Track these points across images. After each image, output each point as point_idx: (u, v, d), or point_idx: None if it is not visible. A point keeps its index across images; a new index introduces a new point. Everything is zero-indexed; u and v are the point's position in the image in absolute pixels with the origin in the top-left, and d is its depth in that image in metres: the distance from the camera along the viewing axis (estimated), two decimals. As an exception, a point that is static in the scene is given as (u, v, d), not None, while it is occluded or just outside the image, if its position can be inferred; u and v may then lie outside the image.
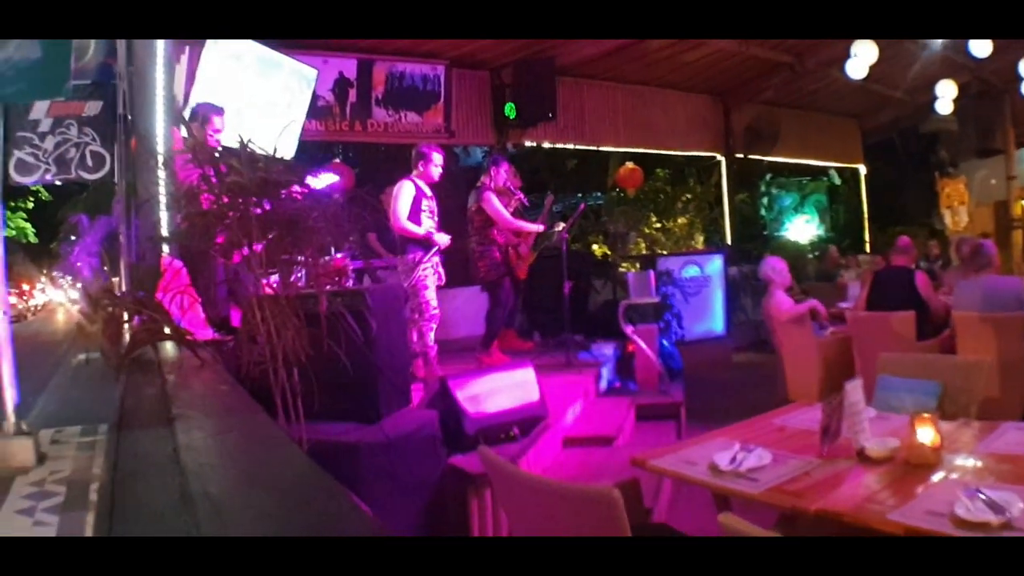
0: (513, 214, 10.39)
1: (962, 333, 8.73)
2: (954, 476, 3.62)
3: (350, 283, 8.71)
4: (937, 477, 3.61)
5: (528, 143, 13.76)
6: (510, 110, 12.74)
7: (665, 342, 11.25)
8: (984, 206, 20.99)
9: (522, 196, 10.74)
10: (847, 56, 13.51)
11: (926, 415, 3.86)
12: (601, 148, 15.83)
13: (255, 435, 3.12)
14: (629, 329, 10.40)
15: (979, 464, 3.81)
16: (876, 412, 4.46)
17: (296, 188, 5.39)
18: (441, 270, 9.11)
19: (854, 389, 4.12)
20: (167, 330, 5.05)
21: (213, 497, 2.02)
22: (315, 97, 10.80)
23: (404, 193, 8.86)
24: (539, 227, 10.69)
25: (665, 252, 16.35)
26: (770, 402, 5.69)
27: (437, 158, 9.13)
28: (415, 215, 8.84)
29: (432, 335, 8.87)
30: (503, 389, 7.26)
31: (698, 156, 17.81)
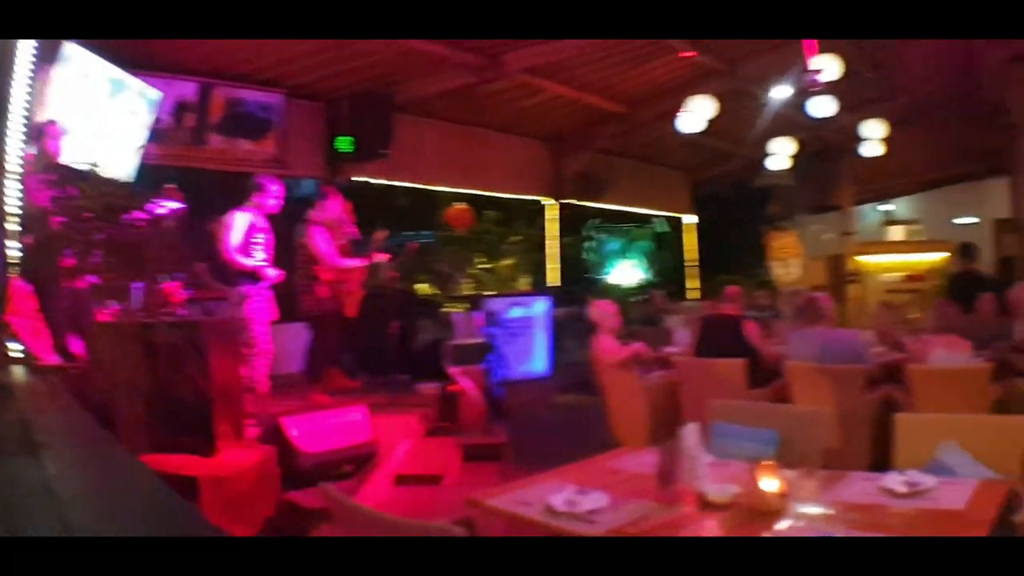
0: (344, 249, 10.32)
1: (797, 383, 8.96)
2: (801, 523, 3.71)
3: (184, 312, 8.62)
4: (783, 524, 3.69)
5: (361, 178, 13.66)
6: (343, 143, 12.61)
7: (490, 383, 11.32)
8: (817, 260, 21.73)
9: (354, 230, 10.68)
10: (680, 110, 13.67)
11: (769, 462, 3.93)
12: (432, 187, 15.84)
13: (119, 464, 3.10)
14: (454, 369, 10.45)
15: (828, 512, 3.91)
16: (713, 458, 4.47)
17: (137, 214, 5.35)
18: (273, 304, 9.07)
19: (691, 434, 4.14)
20: (18, 354, 4.95)
21: (93, 528, 2.03)
22: (155, 120, 10.52)
23: (237, 224, 8.80)
24: (358, 263, 10.66)
25: (491, 293, 16.42)
26: (596, 444, 5.84)
27: (274, 190, 9.07)
28: (246, 247, 8.77)
29: (264, 370, 8.77)
30: (335, 427, 7.32)
31: (528, 199, 17.90)
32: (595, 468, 4.76)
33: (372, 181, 13.95)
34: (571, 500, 3.88)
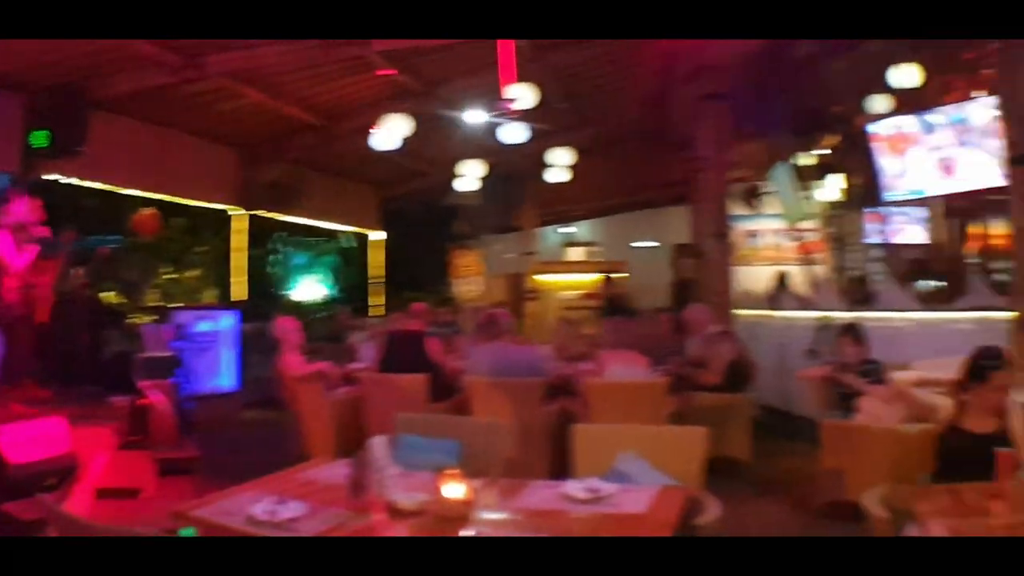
0: (31, 251, 9.81)
1: (476, 397, 9.16)
2: (486, 529, 3.86)
3: None
4: (469, 531, 3.83)
5: (54, 176, 12.94)
6: (38, 138, 11.92)
7: (179, 397, 11.04)
8: (499, 278, 22.28)
9: (44, 231, 10.17)
10: (376, 126, 13.62)
11: (452, 471, 4.06)
12: (123, 190, 15.21)
13: None
14: (144, 383, 10.15)
15: (514, 518, 4.07)
16: (400, 469, 4.56)
17: None
18: None
19: (378, 445, 4.30)
20: None
21: None
22: None
23: None
24: (49, 266, 10.21)
25: (179, 305, 15.99)
26: (286, 457, 5.93)
27: None
28: None
29: None
30: (39, 439, 7.06)
31: (218, 208, 17.47)
32: (291, 479, 4.85)
33: (60, 180, 13.25)
34: (271, 510, 3.98)
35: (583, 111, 17.30)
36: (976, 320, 10.47)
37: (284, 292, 20.46)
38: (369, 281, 22.12)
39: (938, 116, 13.56)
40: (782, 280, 16.78)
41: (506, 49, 11.37)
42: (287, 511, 3.96)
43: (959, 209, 16.74)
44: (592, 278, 22.82)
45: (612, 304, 19.61)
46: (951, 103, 13.48)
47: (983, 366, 5.39)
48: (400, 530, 3.89)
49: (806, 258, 18.58)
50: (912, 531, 4.16)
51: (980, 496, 4.30)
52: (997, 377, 5.32)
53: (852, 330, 8.96)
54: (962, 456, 5.12)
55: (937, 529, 3.84)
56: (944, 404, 5.68)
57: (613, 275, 22.01)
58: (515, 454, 7.03)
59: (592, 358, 10.49)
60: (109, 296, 15.13)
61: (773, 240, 21.44)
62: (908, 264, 17.56)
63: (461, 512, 3.98)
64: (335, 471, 4.76)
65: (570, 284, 22.91)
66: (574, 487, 4.45)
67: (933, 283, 15.42)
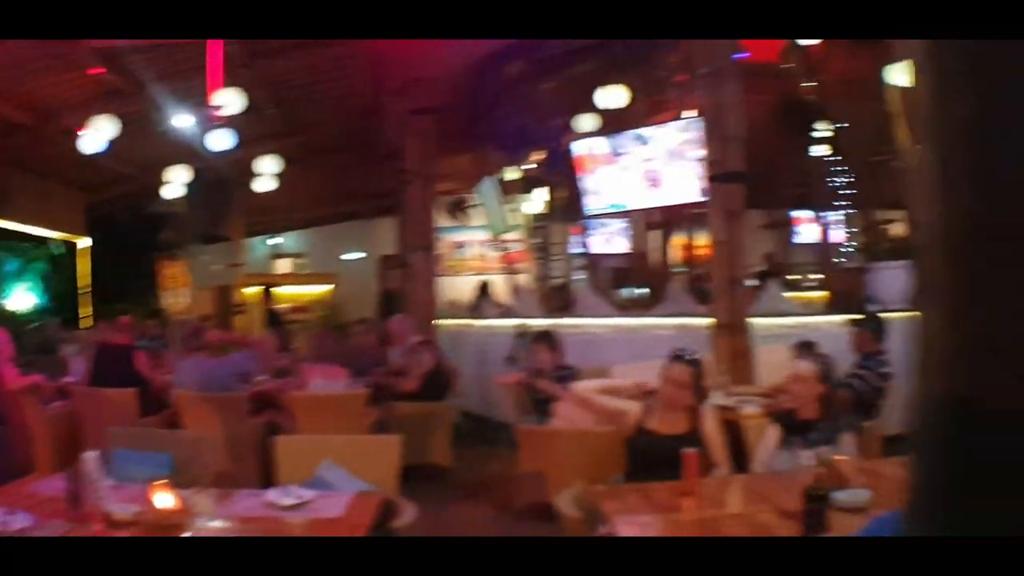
0: None
1: (184, 411, 9.15)
2: (189, 534, 4.09)
3: None
4: (185, 536, 4.06)
5: None
6: None
7: None
8: (206, 290, 21.91)
9: None
10: (84, 127, 13.35)
11: (162, 482, 4.26)
12: None
13: None
14: None
15: (225, 524, 4.38)
16: (115, 481, 4.72)
17: None
18: None
19: (91, 459, 4.44)
20: None
21: None
22: None
23: None
24: None
25: None
26: (6, 471, 5.68)
27: None
28: None
29: None
30: None
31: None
32: (15, 492, 4.94)
33: None
34: (2, 520, 4.10)
35: (292, 119, 17.20)
36: (676, 325, 11.03)
37: (-4, 300, 19.66)
38: (79, 291, 21.40)
39: (646, 134, 14.12)
40: (484, 289, 17.22)
41: (215, 53, 11.31)
42: (17, 522, 4.07)
43: (662, 221, 17.53)
44: (301, 290, 22.84)
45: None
46: (660, 123, 14.08)
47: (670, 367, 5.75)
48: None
49: (510, 268, 19.07)
50: (602, 530, 4.45)
51: (670, 494, 4.70)
52: (676, 376, 5.68)
53: (546, 337, 9.37)
54: (650, 456, 5.46)
55: (625, 527, 4.18)
56: (634, 407, 5.99)
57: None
58: (225, 466, 7.18)
59: (295, 372, 10.67)
60: None
61: (479, 251, 21.98)
62: (611, 273, 18.32)
63: (174, 521, 4.16)
64: (55, 484, 4.81)
65: (279, 297, 22.82)
66: (276, 494, 4.72)
67: (636, 291, 16.14)
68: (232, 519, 4.45)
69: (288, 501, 4.62)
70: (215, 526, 4.32)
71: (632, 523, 4.27)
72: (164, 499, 4.20)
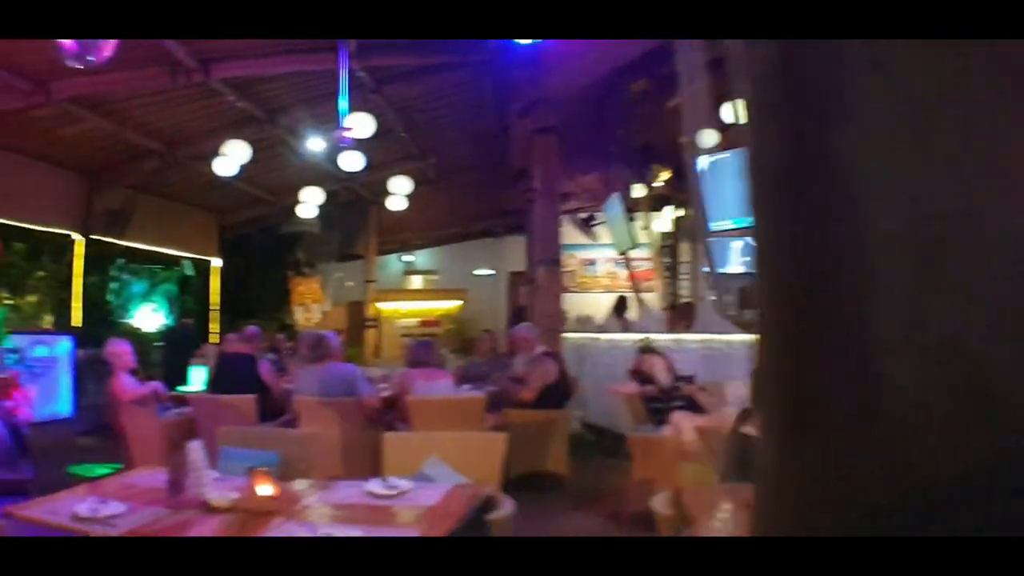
0: None
1: (304, 416, 9.27)
2: (295, 521, 4.12)
3: None
4: (278, 521, 4.10)
5: None
6: None
7: (14, 420, 10.96)
8: (339, 305, 22.29)
9: None
10: (217, 153, 13.85)
11: (261, 470, 4.38)
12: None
13: None
14: (-24, 405, 10.09)
15: (320, 510, 4.39)
16: (219, 475, 4.89)
17: None
18: None
19: (195, 449, 4.60)
20: None
21: None
22: None
23: None
24: None
25: (13, 329, 15.72)
26: None
27: None
28: None
29: None
30: None
31: (57, 233, 17.24)
32: (113, 484, 5.09)
33: None
34: (93, 508, 4.19)
35: (422, 141, 17.50)
36: None
37: (121, 319, 20.17)
38: (210, 308, 21.92)
39: None
40: (622, 304, 17.15)
41: (345, 78, 11.59)
42: (109, 508, 4.16)
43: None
44: (431, 306, 23.05)
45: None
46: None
47: None
48: (212, 524, 4.13)
49: (637, 285, 19.04)
50: (687, 529, 4.52)
51: (752, 493, 4.71)
52: None
53: (657, 351, 9.44)
54: (744, 459, 5.49)
55: (706, 523, 4.21)
56: (733, 413, 6.01)
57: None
58: (339, 469, 7.31)
59: (397, 377, 10.61)
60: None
61: (609, 268, 21.99)
62: (734, 291, 18.16)
63: (268, 506, 4.28)
64: (154, 477, 4.99)
65: (409, 312, 23.08)
66: (374, 484, 4.81)
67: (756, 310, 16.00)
68: (327, 505, 4.53)
69: (385, 490, 4.71)
70: (311, 512, 4.38)
71: (713, 519, 4.28)
72: (261, 486, 4.35)
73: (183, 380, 12.37)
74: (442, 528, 4.03)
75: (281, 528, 4.00)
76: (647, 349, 10.70)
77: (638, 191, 17.64)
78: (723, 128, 13.68)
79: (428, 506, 4.48)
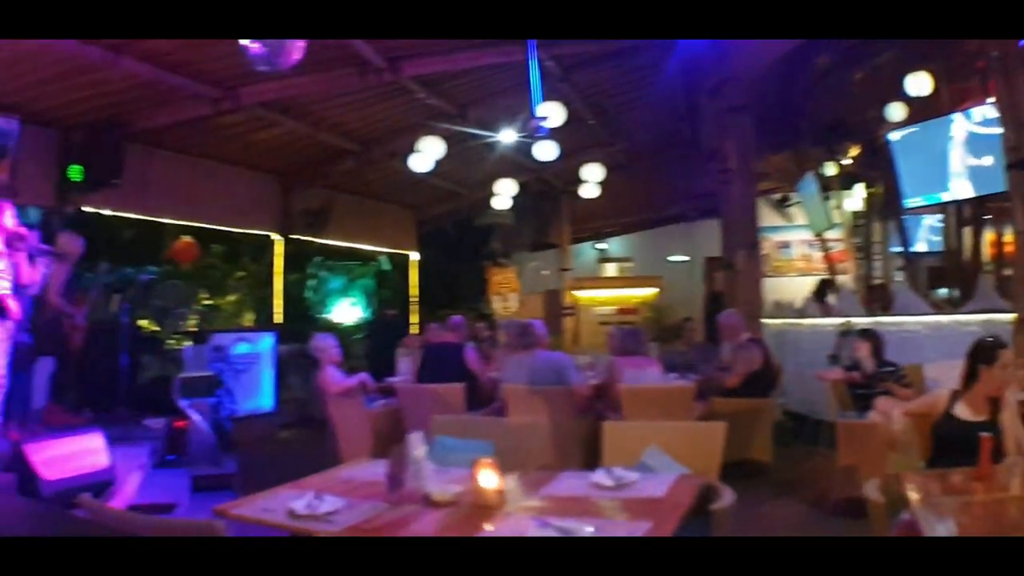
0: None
1: (512, 404, 9.28)
2: (519, 515, 4.03)
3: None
4: (504, 515, 4.04)
5: (90, 208, 13.18)
6: (75, 172, 12.13)
7: (218, 416, 11.24)
8: (535, 294, 22.31)
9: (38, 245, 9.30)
10: (411, 150, 14.07)
11: (486, 462, 4.24)
12: (161, 220, 15.54)
13: None
14: (183, 402, 10.39)
15: (543, 504, 4.27)
16: (437, 466, 4.72)
17: None
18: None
19: (416, 440, 4.48)
20: None
21: None
22: None
23: None
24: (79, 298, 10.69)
25: (215, 328, 16.16)
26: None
27: (7, 216, 8.50)
28: None
29: None
30: (75, 454, 7.20)
31: (255, 234, 17.77)
32: (329, 479, 5.04)
33: (102, 212, 13.51)
34: (310, 504, 4.15)
35: (612, 127, 17.45)
36: (982, 322, 10.45)
37: (320, 315, 20.62)
38: (409, 301, 22.26)
39: (951, 123, 13.52)
40: (824, 288, 16.74)
41: (535, 68, 11.58)
42: (325, 505, 4.14)
43: (973, 216, 16.67)
44: (627, 293, 22.89)
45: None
46: (964, 110, 13.43)
47: (976, 359, 5.60)
48: (434, 519, 4.07)
49: (833, 268, 18.63)
50: (903, 516, 4.39)
51: (964, 478, 4.57)
52: (988, 370, 5.51)
53: (869, 334, 9.19)
54: (953, 442, 5.34)
55: (923, 511, 4.08)
56: (943, 394, 5.85)
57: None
58: (548, 460, 7.28)
59: (607, 366, 10.58)
60: (145, 323, 15.37)
61: (803, 251, 21.56)
62: (926, 271, 17.64)
63: (493, 501, 4.19)
64: (373, 470, 4.99)
65: (606, 300, 23.04)
66: (600, 475, 4.73)
67: (948, 290, 15.51)
68: (550, 499, 4.45)
69: (610, 482, 4.64)
70: (533, 505, 4.31)
71: (929, 507, 4.14)
72: (485, 477, 4.23)
73: (389, 370, 12.67)
74: (672, 520, 3.95)
75: (509, 522, 3.95)
76: (849, 332, 10.48)
77: (829, 169, 17.25)
78: (909, 101, 13.32)
79: (656, 497, 4.40)
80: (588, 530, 3.60)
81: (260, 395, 14.66)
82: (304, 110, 14.06)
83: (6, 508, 5.76)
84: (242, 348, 14.41)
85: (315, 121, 14.62)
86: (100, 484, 7.33)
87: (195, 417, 10.45)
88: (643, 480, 4.70)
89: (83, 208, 13.04)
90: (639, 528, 3.75)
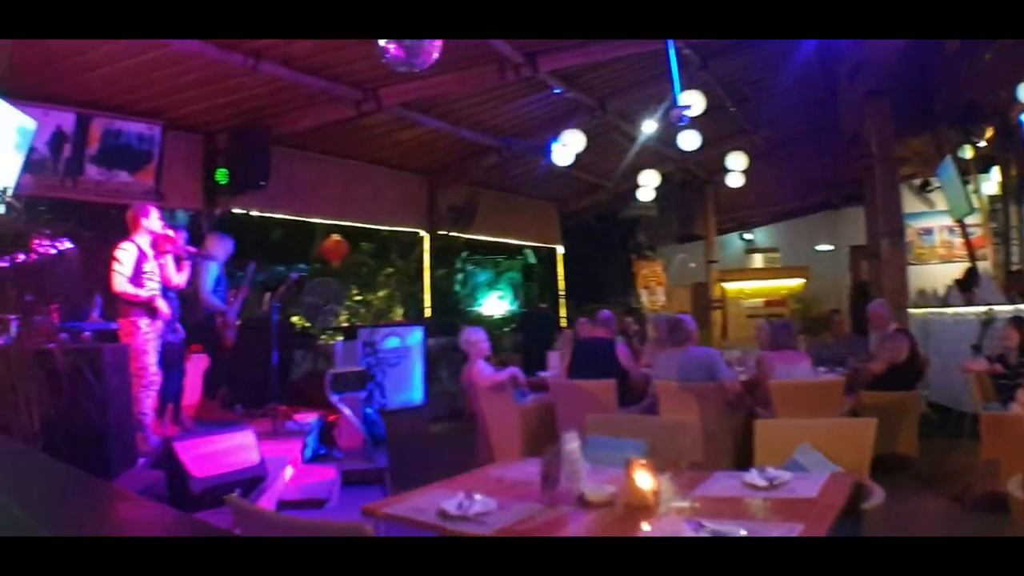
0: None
1: (664, 401, 9.31)
2: (673, 516, 4.02)
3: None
4: (659, 516, 4.04)
5: (237, 210, 13.67)
6: (222, 175, 12.57)
7: (369, 410, 11.44)
8: (682, 287, 22.24)
9: (183, 247, 9.79)
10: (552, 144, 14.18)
11: (642, 461, 4.24)
12: (309, 219, 15.95)
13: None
14: (334, 397, 10.57)
15: (696, 505, 4.26)
16: (590, 465, 4.67)
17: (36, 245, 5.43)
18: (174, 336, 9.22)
19: (571, 440, 4.49)
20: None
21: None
22: (31, 150, 9.67)
23: (125, 256, 8.57)
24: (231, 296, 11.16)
25: (365, 324, 16.51)
26: (470, 467, 5.77)
27: (154, 218, 8.99)
28: (137, 278, 8.58)
29: (150, 401, 8.66)
30: (226, 451, 7.39)
31: (403, 231, 18.09)
32: (481, 477, 5.06)
33: (251, 213, 13.89)
34: (462, 504, 4.14)
35: (752, 114, 17.41)
36: None
37: (469, 309, 20.81)
38: (557, 294, 22.31)
39: None
40: (970, 277, 16.39)
41: (674, 58, 11.58)
42: (477, 506, 4.13)
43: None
44: (774, 285, 22.64)
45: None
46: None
47: None
48: (588, 520, 4.07)
49: (973, 254, 18.24)
50: None
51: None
52: None
53: (1020, 323, 9.06)
54: None
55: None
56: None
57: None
58: (699, 457, 7.31)
59: (758, 361, 10.48)
60: (296, 320, 15.72)
61: (944, 236, 21.13)
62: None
63: (648, 501, 4.15)
64: (525, 468, 5.03)
65: (753, 292, 22.78)
66: (753, 476, 4.71)
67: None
68: (703, 499, 4.40)
69: (763, 482, 4.61)
70: (686, 506, 4.24)
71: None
72: (641, 477, 4.18)
73: (541, 365, 12.75)
74: (825, 521, 3.91)
75: (663, 524, 3.91)
76: (992, 321, 10.33)
77: (967, 152, 16.91)
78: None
79: (809, 498, 4.36)
80: (741, 532, 3.60)
81: (410, 389, 14.83)
82: (445, 109, 14.24)
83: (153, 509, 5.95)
84: (392, 342, 14.60)
85: (455, 119, 14.81)
86: (251, 480, 7.42)
87: (346, 411, 10.66)
88: (796, 480, 4.68)
89: (232, 210, 13.51)
90: (792, 530, 3.74)
